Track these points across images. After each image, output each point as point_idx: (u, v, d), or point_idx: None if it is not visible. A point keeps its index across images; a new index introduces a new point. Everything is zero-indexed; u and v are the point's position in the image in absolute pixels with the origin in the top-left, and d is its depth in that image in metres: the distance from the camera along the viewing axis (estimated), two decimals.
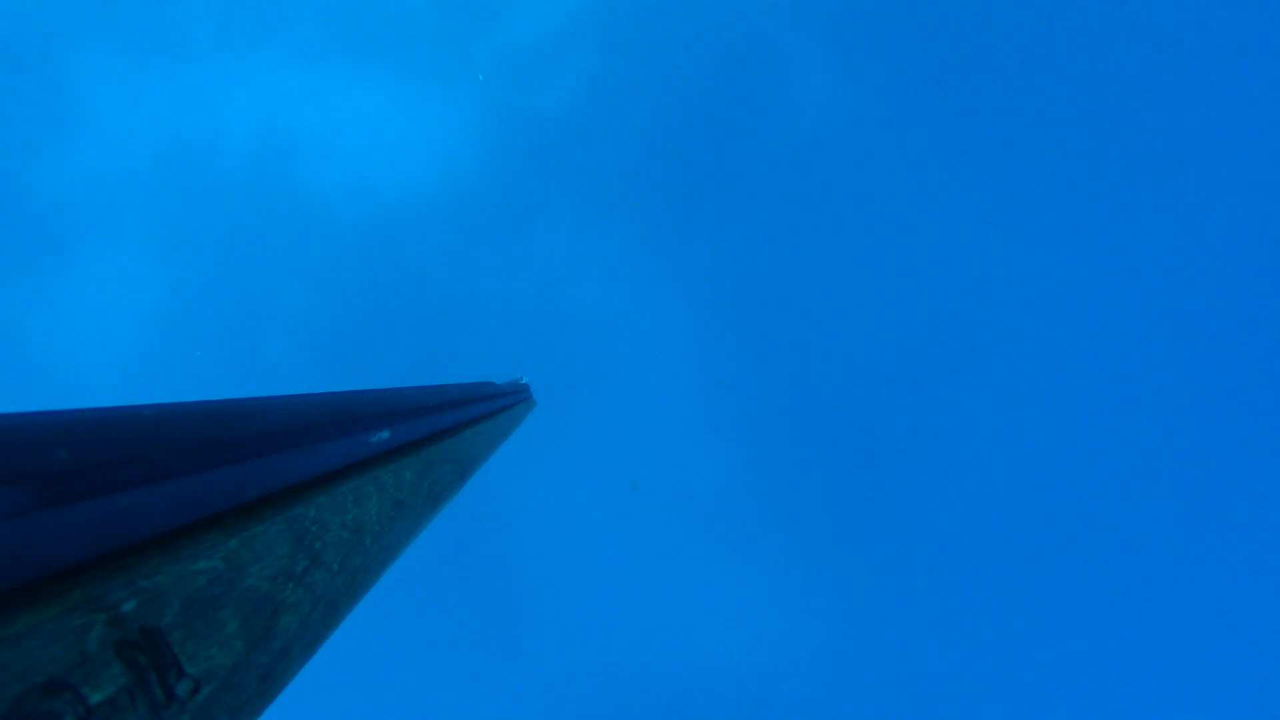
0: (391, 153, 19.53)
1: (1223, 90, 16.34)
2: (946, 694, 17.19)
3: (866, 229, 17.64)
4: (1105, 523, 16.79)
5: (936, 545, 17.28)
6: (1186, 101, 16.42)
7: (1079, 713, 16.81)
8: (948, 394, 17.36)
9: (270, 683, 0.65)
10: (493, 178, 19.35)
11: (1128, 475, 16.75)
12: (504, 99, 19.44)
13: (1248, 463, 16.42)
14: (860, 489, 17.72)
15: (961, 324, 17.31)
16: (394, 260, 19.03)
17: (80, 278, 18.46)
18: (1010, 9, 17.01)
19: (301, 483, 0.78)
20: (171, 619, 0.49)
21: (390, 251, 19.04)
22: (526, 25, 19.45)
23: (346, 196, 19.18)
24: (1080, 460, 16.92)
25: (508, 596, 18.44)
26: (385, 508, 1.00)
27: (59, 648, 0.39)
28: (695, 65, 18.69)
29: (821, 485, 17.92)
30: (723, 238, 18.41)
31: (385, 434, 1.03)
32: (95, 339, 19.18)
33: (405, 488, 1.10)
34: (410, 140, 19.54)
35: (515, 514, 18.58)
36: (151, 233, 18.95)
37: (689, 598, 17.89)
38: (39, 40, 19.15)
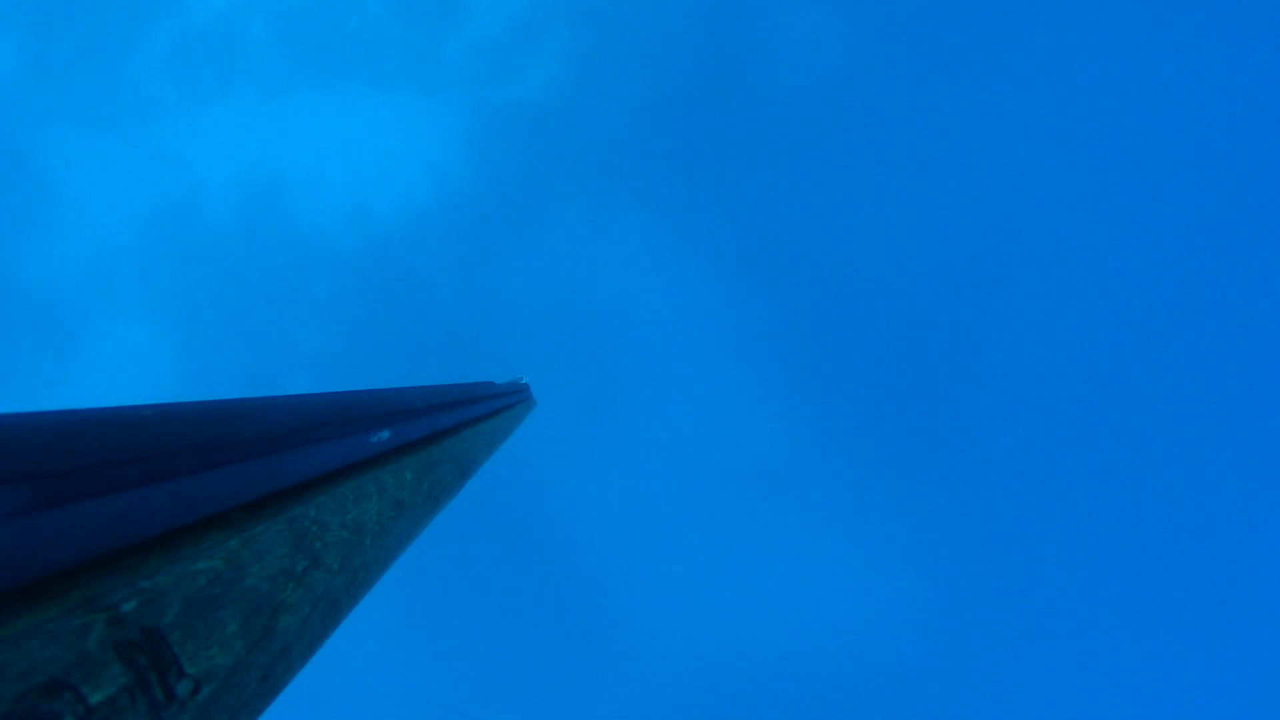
0: (379, 168, 19.39)
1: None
2: (1031, 633, 16.81)
3: (876, 165, 17.27)
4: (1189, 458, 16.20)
5: (1002, 480, 16.88)
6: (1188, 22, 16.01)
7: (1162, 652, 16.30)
8: (989, 318, 16.96)
9: (270, 683, 0.65)
10: (486, 176, 19.07)
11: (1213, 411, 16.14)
12: (484, 96, 19.06)
13: None
14: (919, 436, 17.32)
15: (992, 253, 16.86)
16: (401, 278, 19.00)
17: (89, 358, 18.43)
18: None
19: (302, 483, 0.78)
20: (171, 619, 0.49)
21: (396, 270, 19.05)
22: (493, 16, 18.98)
23: (342, 223, 18.97)
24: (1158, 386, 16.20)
25: (592, 594, 18.35)
26: (385, 508, 1.00)
27: (59, 648, 0.39)
28: (672, 27, 18.26)
29: (879, 436, 17.59)
30: (730, 196, 17.95)
31: (385, 434, 1.03)
32: None
33: (405, 488, 1.10)
34: (396, 152, 19.30)
35: (578, 503, 18.49)
36: (152, 299, 18.75)
37: (769, 566, 17.70)
38: (2, 127, 18.75)
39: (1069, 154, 16.68)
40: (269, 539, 0.65)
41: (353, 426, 0.92)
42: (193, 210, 18.89)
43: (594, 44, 18.72)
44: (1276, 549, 15.86)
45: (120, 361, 18.54)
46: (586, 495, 18.67)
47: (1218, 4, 15.99)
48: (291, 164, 19.18)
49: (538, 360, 18.59)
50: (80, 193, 18.84)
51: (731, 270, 18.30)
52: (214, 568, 0.55)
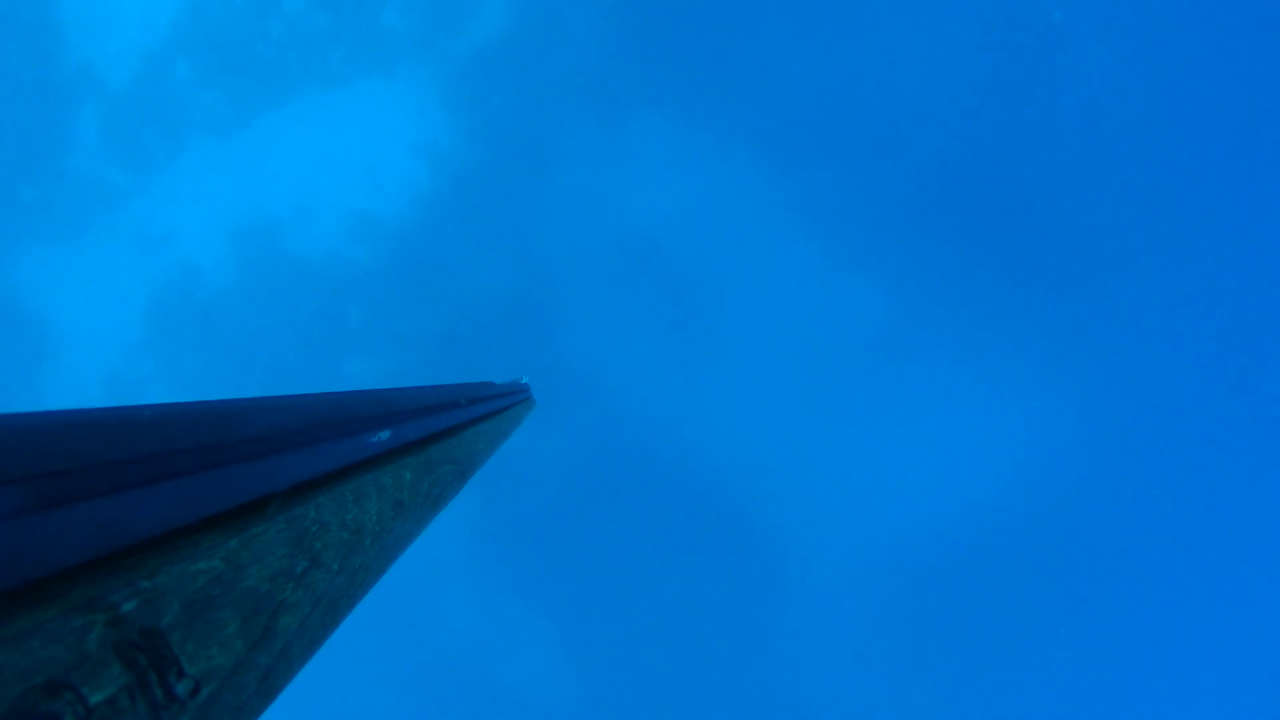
0: (367, 169, 18.48)
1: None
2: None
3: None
4: None
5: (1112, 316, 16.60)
6: None
7: None
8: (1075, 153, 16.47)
9: (270, 683, 0.65)
10: (481, 134, 18.18)
11: None
12: (444, 52, 18.03)
13: None
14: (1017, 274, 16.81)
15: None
16: (428, 271, 18.41)
17: None
18: None
19: (302, 483, 0.78)
20: (171, 619, 0.49)
21: (420, 265, 18.39)
22: None
23: (349, 238, 18.39)
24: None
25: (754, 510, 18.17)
26: (385, 508, 1.00)
27: (59, 648, 0.39)
28: None
29: (972, 281, 17.16)
30: (740, 71, 17.30)
31: (385, 434, 1.03)
32: None
33: (405, 488, 1.10)
34: (378, 145, 18.52)
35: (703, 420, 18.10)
36: (187, 386, 18.11)
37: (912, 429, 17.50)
38: None
39: None
40: (269, 539, 0.65)
41: (353, 427, 0.92)
42: (193, 282, 18.08)
43: None
44: None
45: None
46: (707, 410, 18.29)
47: None
48: (275, 198, 18.35)
49: (604, 284, 18.00)
50: (70, 321, 17.87)
51: (763, 145, 17.60)
52: (214, 568, 0.55)
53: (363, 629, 18.60)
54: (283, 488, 0.73)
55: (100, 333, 18.03)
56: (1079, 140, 16.68)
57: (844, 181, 17.59)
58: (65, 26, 17.10)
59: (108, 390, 18.04)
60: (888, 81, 17.13)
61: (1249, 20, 15.66)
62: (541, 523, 18.71)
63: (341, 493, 0.84)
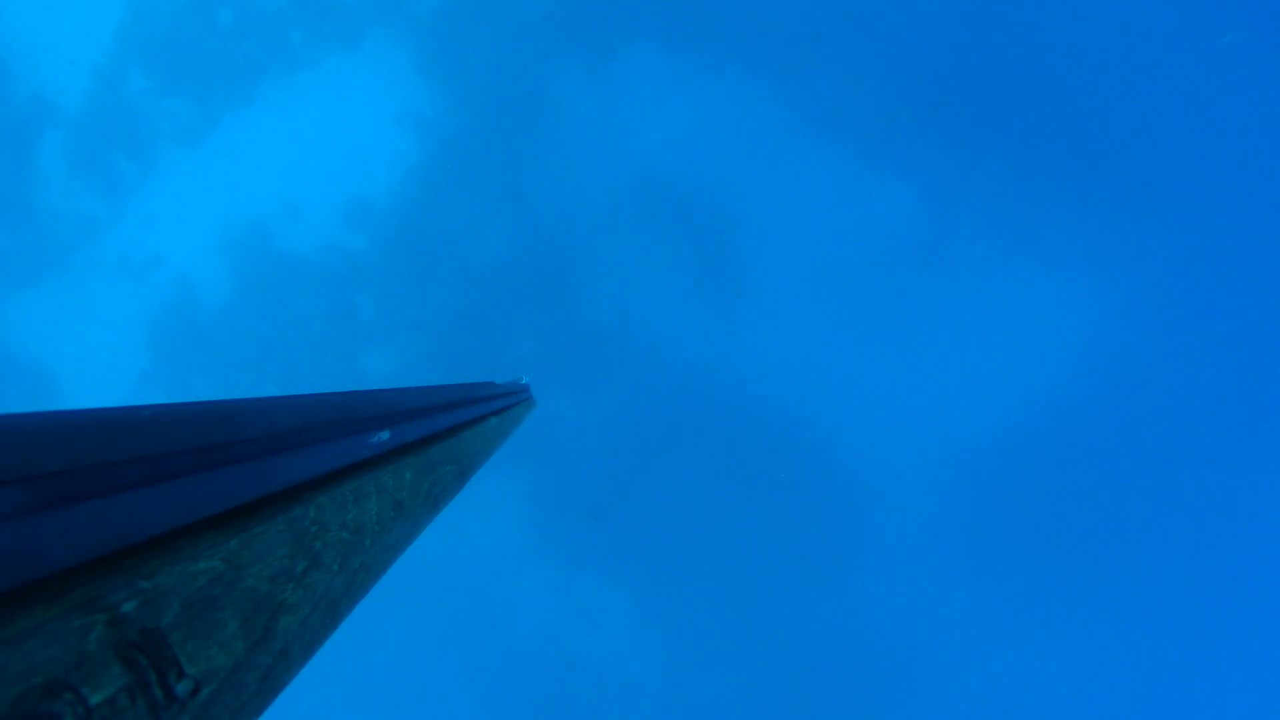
0: (351, 153, 17.44)
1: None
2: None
3: None
4: None
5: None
6: None
7: None
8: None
9: (270, 683, 0.65)
10: (465, 93, 17.19)
11: None
12: (408, 11, 17.04)
13: None
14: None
15: None
16: (438, 246, 17.41)
17: None
18: None
19: (301, 483, 0.78)
20: (171, 619, 0.49)
21: (429, 245, 17.45)
22: None
23: (347, 226, 17.54)
24: None
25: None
26: (385, 508, 1.00)
27: (59, 648, 0.39)
28: None
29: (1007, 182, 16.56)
30: None
31: (385, 434, 1.03)
32: None
33: (405, 488, 1.10)
34: (357, 127, 17.49)
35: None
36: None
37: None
38: None
39: None
40: (269, 539, 0.65)
41: (353, 427, 0.92)
42: (190, 302, 17.25)
43: None
44: None
45: None
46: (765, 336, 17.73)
47: None
48: (260, 199, 17.50)
49: (620, 230, 17.22)
50: (70, 364, 17.09)
51: (760, 58, 16.75)
52: (214, 568, 0.55)
53: (434, 625, 18.30)
54: (283, 488, 0.73)
55: (104, 371, 17.39)
56: (1101, 14, 15.96)
57: (851, 83, 16.85)
58: (7, 59, 16.21)
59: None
60: None
61: None
62: (599, 490, 18.24)
63: (341, 493, 0.84)
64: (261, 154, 17.46)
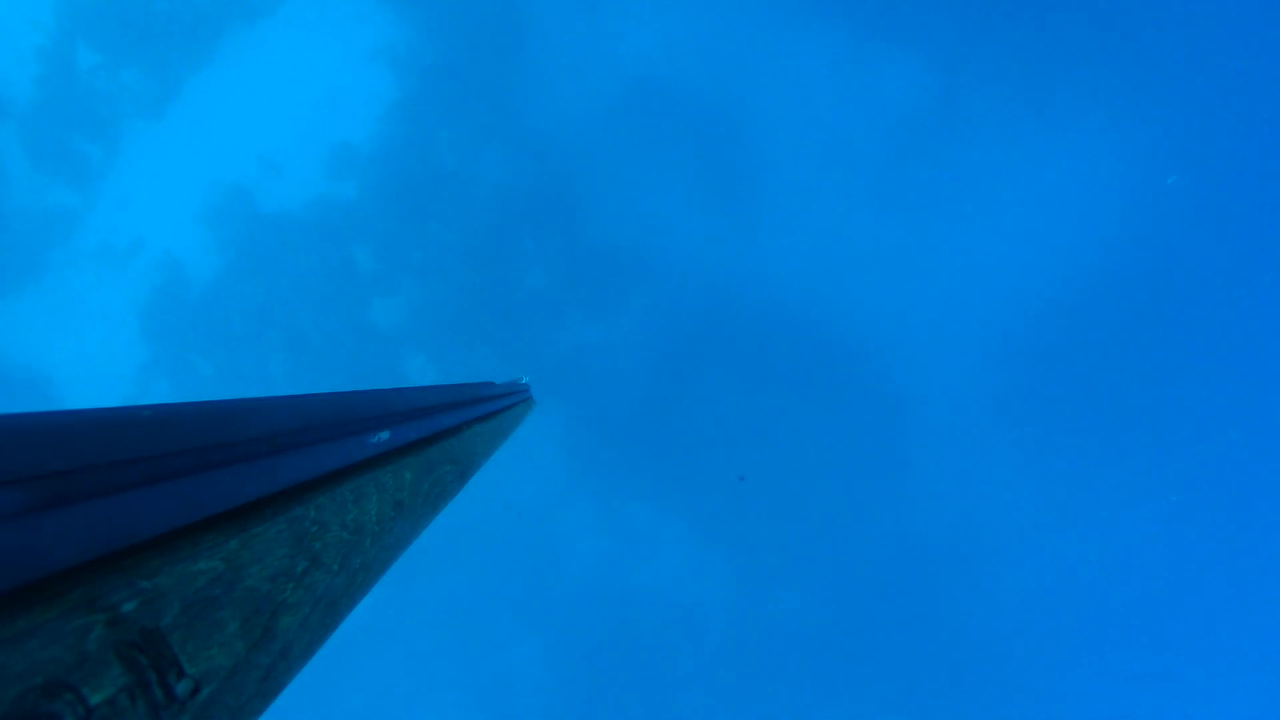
0: (326, 103, 16.23)
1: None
2: None
3: None
4: None
5: None
6: None
7: None
8: None
9: (270, 683, 0.65)
10: (443, 18, 16.20)
11: None
12: None
13: None
14: None
15: None
16: (429, 181, 16.42)
17: None
18: None
19: (302, 483, 0.78)
20: (171, 619, 0.49)
21: (419, 179, 16.40)
22: None
23: (332, 175, 16.50)
24: None
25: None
26: (385, 508, 1.00)
27: (59, 648, 0.39)
28: None
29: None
30: None
31: (385, 434, 1.03)
32: None
33: (405, 488, 1.10)
34: (331, 74, 16.33)
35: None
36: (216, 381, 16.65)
37: None
38: None
39: None
40: (269, 539, 0.65)
41: (353, 427, 0.92)
42: (180, 282, 16.41)
43: None
44: None
45: None
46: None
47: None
48: (236, 163, 16.46)
49: (620, 142, 16.36)
50: (67, 366, 16.28)
51: None
52: (214, 568, 0.55)
53: (489, 576, 17.80)
54: (283, 488, 0.73)
55: (102, 367, 16.73)
56: None
57: None
58: None
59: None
60: None
61: None
62: (637, 419, 17.62)
63: (341, 493, 0.84)
64: (231, 115, 16.47)
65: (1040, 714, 17.71)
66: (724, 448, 17.59)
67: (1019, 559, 17.75)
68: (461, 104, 16.60)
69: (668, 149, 16.81)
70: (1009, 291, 17.07)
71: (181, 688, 0.48)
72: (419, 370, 17.02)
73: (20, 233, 16.16)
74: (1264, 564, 17.10)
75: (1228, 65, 15.76)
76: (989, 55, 16.18)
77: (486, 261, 16.81)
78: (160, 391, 16.84)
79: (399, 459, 1.08)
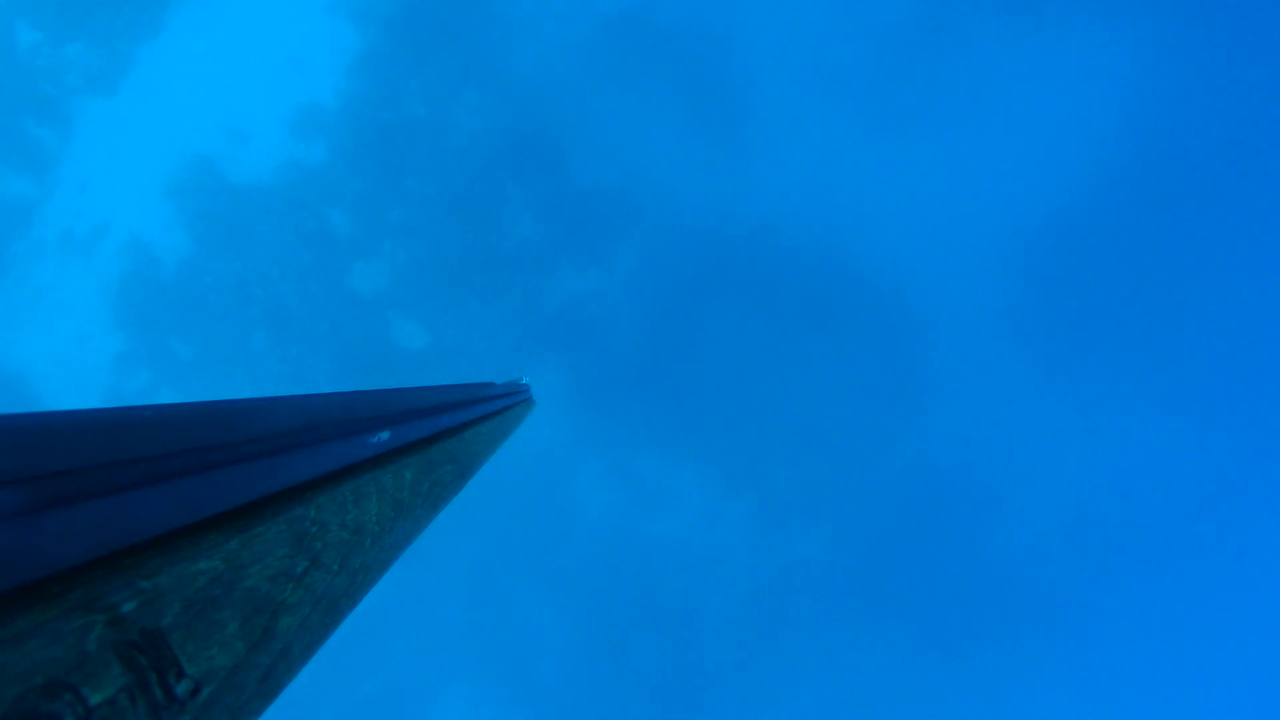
0: (288, 65, 15.27)
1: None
2: None
3: None
4: None
5: None
6: None
7: None
8: None
9: (271, 683, 0.65)
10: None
11: None
12: None
13: None
14: None
15: None
16: (397, 137, 15.55)
17: None
18: None
19: (302, 483, 0.78)
20: (171, 620, 0.49)
21: (387, 134, 15.55)
22: None
23: (299, 137, 15.43)
24: None
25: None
26: (385, 508, 1.00)
27: (59, 648, 0.39)
28: None
29: None
30: None
31: (385, 435, 1.03)
32: None
33: (405, 488, 1.10)
34: (289, 34, 15.30)
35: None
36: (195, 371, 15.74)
37: None
38: None
39: None
40: (269, 539, 0.65)
41: (353, 427, 0.92)
42: (151, 264, 15.38)
43: None
44: None
45: None
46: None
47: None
48: (198, 135, 15.29)
49: (600, 78, 15.41)
50: (43, 364, 15.23)
51: None
52: (214, 568, 0.55)
53: (505, 543, 17.23)
54: (283, 488, 0.73)
55: (79, 361, 15.87)
56: None
57: None
58: None
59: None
60: None
61: None
62: (642, 368, 16.90)
63: (341, 493, 0.84)
64: (189, 84, 15.43)
65: (1069, 633, 17.41)
66: (733, 389, 16.99)
67: (1040, 476, 17.33)
68: (429, 50, 15.67)
69: (650, 79, 16.03)
70: (1012, 204, 16.52)
71: (181, 688, 0.48)
72: (409, 336, 16.29)
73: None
74: None
75: None
76: None
77: (470, 214, 16.01)
78: (140, 381, 16.15)
79: (399, 459, 1.08)
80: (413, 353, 16.33)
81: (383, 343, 16.32)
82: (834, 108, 16.38)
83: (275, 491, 0.71)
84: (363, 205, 15.87)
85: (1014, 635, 17.52)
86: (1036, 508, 17.46)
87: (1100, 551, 17.40)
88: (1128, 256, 16.60)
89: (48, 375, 16.12)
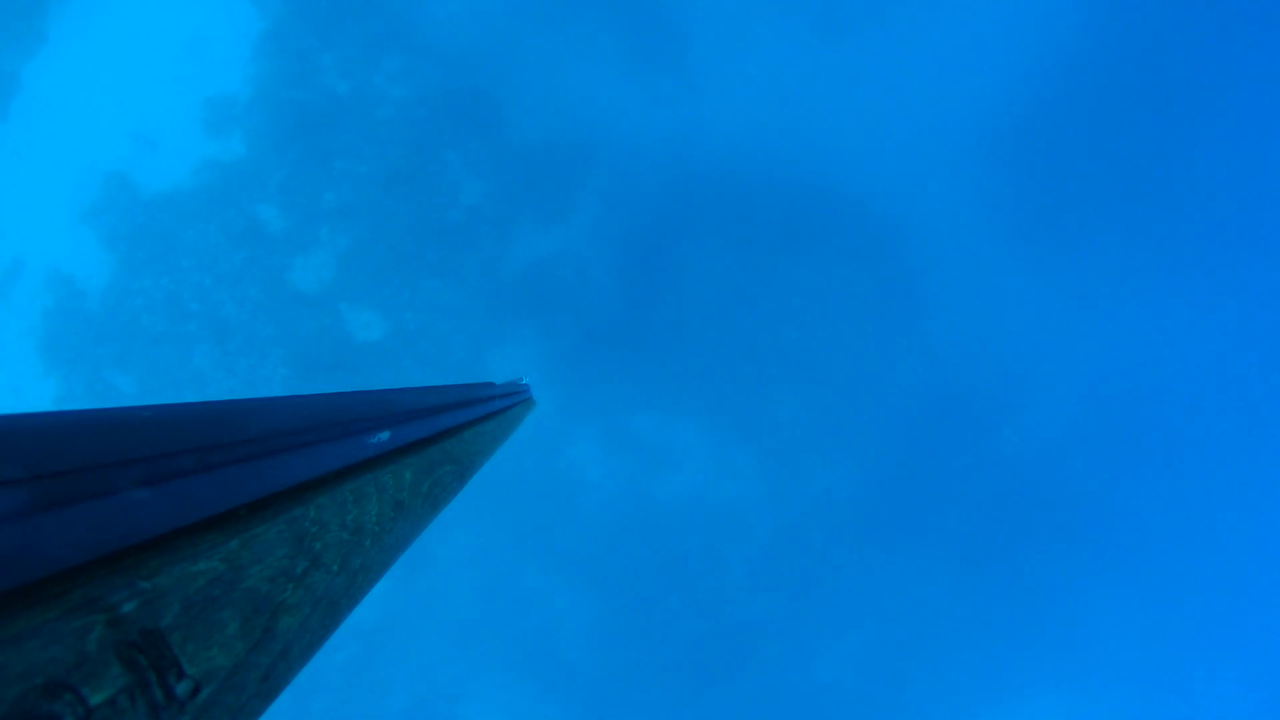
0: (185, 51, 14.38)
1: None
2: None
3: None
4: None
5: None
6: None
7: None
8: None
9: (270, 683, 0.64)
10: None
11: None
12: None
13: None
14: None
15: None
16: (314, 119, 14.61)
17: None
18: None
19: (301, 483, 0.78)
20: (171, 620, 0.49)
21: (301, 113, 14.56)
22: None
23: (211, 138, 14.59)
24: None
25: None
26: (385, 509, 1.00)
27: (59, 649, 0.39)
28: None
29: None
30: None
31: (385, 435, 1.03)
32: None
33: (405, 488, 1.10)
34: (189, 14, 14.36)
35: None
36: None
37: None
38: None
39: None
40: (269, 540, 0.65)
41: (352, 427, 0.92)
42: (74, 298, 14.43)
43: None
44: None
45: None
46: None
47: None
48: (102, 149, 14.46)
49: (535, 26, 14.69)
50: None
51: None
52: (214, 568, 0.55)
53: (509, 526, 16.59)
54: (283, 488, 0.73)
55: (13, 409, 15.23)
56: None
57: None
58: None
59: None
60: None
61: None
62: (622, 325, 16.13)
63: (341, 493, 0.84)
64: (84, 96, 14.52)
65: (1101, 530, 17.15)
66: (721, 330, 16.25)
67: (1050, 370, 16.90)
68: (338, 18, 14.81)
69: (581, 15, 15.22)
70: (979, 93, 15.99)
71: (181, 688, 0.48)
72: (365, 327, 15.41)
73: None
74: None
75: None
76: None
77: (411, 187, 15.12)
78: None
79: (399, 459, 1.08)
80: (372, 344, 15.49)
81: (338, 338, 15.41)
82: (779, 18, 15.68)
83: (275, 491, 0.71)
84: (292, 195, 14.93)
85: (1045, 540, 17.17)
86: (1051, 402, 17.04)
87: (1122, 438, 17.05)
88: (1104, 132, 16.11)
89: None
